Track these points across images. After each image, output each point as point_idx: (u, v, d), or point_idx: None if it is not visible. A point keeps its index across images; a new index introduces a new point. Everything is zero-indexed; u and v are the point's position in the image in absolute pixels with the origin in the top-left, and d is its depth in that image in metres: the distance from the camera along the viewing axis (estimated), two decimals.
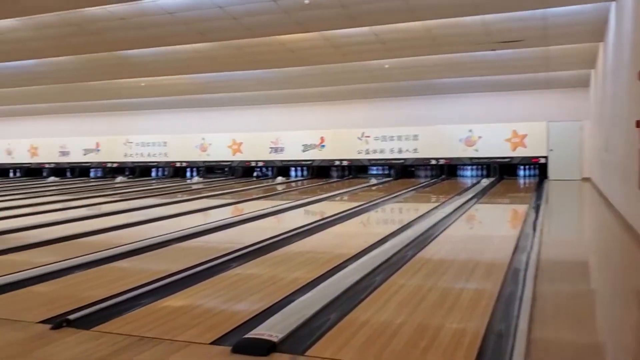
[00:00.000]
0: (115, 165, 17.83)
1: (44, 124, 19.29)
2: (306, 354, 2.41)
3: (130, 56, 11.03)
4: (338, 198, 10.76)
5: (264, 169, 17.09)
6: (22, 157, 18.86)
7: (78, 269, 4.28)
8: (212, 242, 5.65)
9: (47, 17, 8.51)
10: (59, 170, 18.33)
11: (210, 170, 17.52)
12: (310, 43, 10.25)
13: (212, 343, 2.55)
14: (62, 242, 5.65)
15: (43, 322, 2.87)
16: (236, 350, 2.44)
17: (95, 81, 13.59)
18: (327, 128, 16.36)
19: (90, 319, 2.91)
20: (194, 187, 13.76)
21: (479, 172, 15.31)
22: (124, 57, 11.11)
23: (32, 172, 18.87)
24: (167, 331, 2.70)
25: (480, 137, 14.91)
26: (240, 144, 17.15)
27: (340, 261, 4.32)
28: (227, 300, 3.30)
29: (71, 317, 2.87)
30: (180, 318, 2.94)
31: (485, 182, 13.15)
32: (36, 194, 12.08)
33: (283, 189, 12.91)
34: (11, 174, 19.23)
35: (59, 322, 2.80)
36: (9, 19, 8.84)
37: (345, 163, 16.20)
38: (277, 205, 9.03)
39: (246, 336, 2.56)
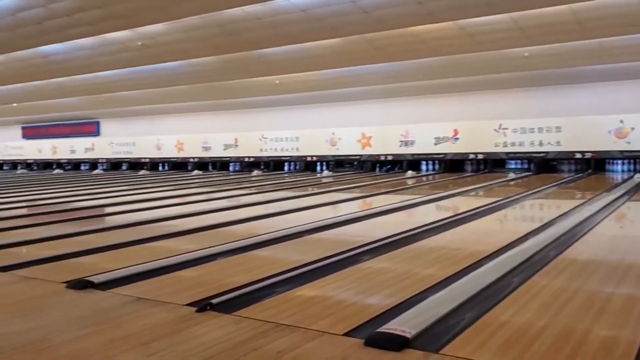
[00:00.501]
0: (252, 159, 18.73)
1: (188, 121, 20.80)
2: (440, 352, 2.32)
3: (266, 55, 11.49)
4: (473, 193, 10.37)
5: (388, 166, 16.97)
6: (170, 151, 20.48)
7: (220, 256, 4.52)
8: (343, 234, 5.70)
9: (193, 20, 9.12)
10: (202, 164, 19.66)
11: (340, 164, 17.76)
12: (444, 33, 9.96)
13: (345, 334, 2.55)
14: (206, 231, 6.03)
15: (189, 304, 3.07)
16: (369, 343, 2.41)
17: (234, 80, 14.35)
18: (461, 120, 15.83)
19: (231, 303, 3.05)
20: (324, 180, 14.04)
21: (632, 167, 13.95)
22: (259, 56, 11.60)
23: (179, 165, 20.42)
24: (302, 319, 2.75)
25: (633, 129, 13.57)
26: (370, 137, 17.18)
27: (477, 259, 4.14)
28: (358, 293, 3.30)
29: (214, 301, 3.03)
30: (313, 307, 2.98)
31: (638, 177, 11.94)
32: (182, 186, 13.06)
33: (413, 183, 12.73)
34: (160, 168, 20.97)
35: (203, 306, 2.97)
36: (159, 24, 9.61)
37: (480, 157, 15.57)
38: (408, 200, 8.91)
39: (379, 330, 2.52)
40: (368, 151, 17.19)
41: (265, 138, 18.51)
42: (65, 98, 18.66)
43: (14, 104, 20.26)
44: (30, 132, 25.99)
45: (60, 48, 11.76)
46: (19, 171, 23.85)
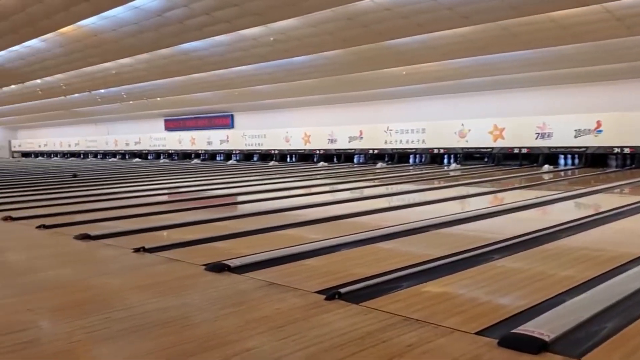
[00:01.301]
0: (376, 151, 18.74)
1: (315, 114, 21.29)
2: (582, 359, 2.15)
3: (394, 46, 11.39)
4: (617, 190, 9.53)
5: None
6: (298, 143, 21.09)
7: (345, 247, 4.57)
8: (473, 230, 5.50)
9: (323, 14, 9.27)
10: (328, 156, 20.04)
11: (469, 156, 17.16)
12: (588, 17, 9.22)
13: (477, 333, 2.46)
14: (331, 222, 6.13)
15: (318, 292, 3.13)
16: (503, 343, 2.30)
17: (361, 72, 14.41)
18: (604, 111, 14.58)
19: (358, 294, 3.07)
20: (452, 174, 13.66)
21: None
22: (387, 47, 11.52)
23: (305, 157, 20.99)
24: (431, 315, 2.70)
25: None
26: (503, 129, 16.40)
27: (623, 261, 3.79)
28: (490, 292, 3.16)
29: (342, 290, 3.07)
30: (443, 304, 2.91)
31: None
32: (308, 177, 13.39)
33: (550, 179, 11.96)
34: (288, 159, 21.70)
35: (331, 294, 3.01)
36: (291, 19, 9.89)
37: (627, 151, 14.25)
38: (544, 196, 8.39)
39: (514, 331, 2.40)
40: (500, 143, 16.42)
41: (390, 130, 18.40)
42: (203, 93, 19.94)
43: (158, 98, 22.00)
44: (172, 125, 28.12)
45: (199, 45, 12.55)
46: (162, 160, 25.89)
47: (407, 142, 18.13)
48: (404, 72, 14.39)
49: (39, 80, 18.60)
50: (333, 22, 9.70)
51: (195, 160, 24.03)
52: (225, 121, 25.31)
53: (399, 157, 18.31)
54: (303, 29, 10.35)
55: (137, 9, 9.90)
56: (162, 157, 27.19)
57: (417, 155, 18.20)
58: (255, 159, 22.66)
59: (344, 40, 10.80)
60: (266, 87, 17.59)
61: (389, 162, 18.04)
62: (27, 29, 11.36)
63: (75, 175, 14.93)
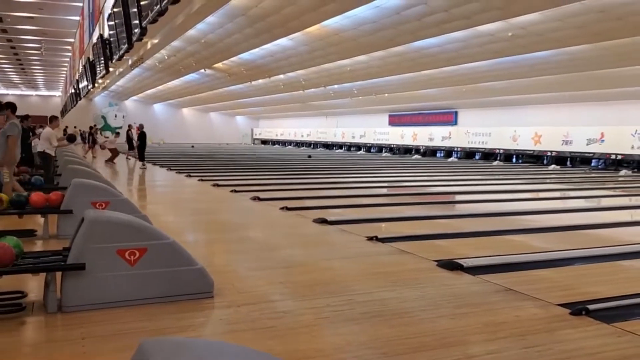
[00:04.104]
0: (619, 157, 16.76)
1: (547, 112, 19.79)
2: None
3: None
4: None
5: None
6: (526, 144, 19.88)
7: (582, 261, 4.24)
8: None
9: (571, 7, 8.58)
10: (560, 159, 18.52)
11: None
12: None
13: None
14: (564, 232, 5.69)
15: (561, 305, 2.95)
16: None
17: (609, 69, 12.99)
18: None
19: (609, 313, 2.83)
20: None
21: None
22: None
23: (534, 158, 19.71)
24: None
25: None
26: None
27: None
28: None
29: (590, 307, 2.85)
30: None
31: None
32: (537, 181, 12.58)
33: None
34: (514, 160, 20.61)
35: (578, 309, 2.82)
36: (534, 13, 9.35)
37: None
38: None
39: None
40: None
41: (639, 133, 16.27)
42: (430, 89, 19.97)
43: (386, 94, 22.66)
44: (395, 120, 28.74)
45: (433, 42, 12.58)
46: (384, 154, 26.68)
47: None
48: None
49: (282, 76, 20.57)
50: (582, 16, 8.90)
51: (416, 156, 24.24)
52: (448, 118, 25.03)
53: None
54: (546, 23, 9.70)
55: (377, 8, 10.31)
56: (384, 150, 28.01)
57: None
58: (477, 157, 22.00)
59: (594, 34, 9.84)
60: (496, 84, 16.91)
61: (636, 170, 15.98)
62: (279, 29, 12.61)
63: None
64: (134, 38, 6.57)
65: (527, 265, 4.02)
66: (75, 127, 28.75)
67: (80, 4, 16.65)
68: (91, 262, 2.81)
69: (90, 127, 25.32)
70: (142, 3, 5.76)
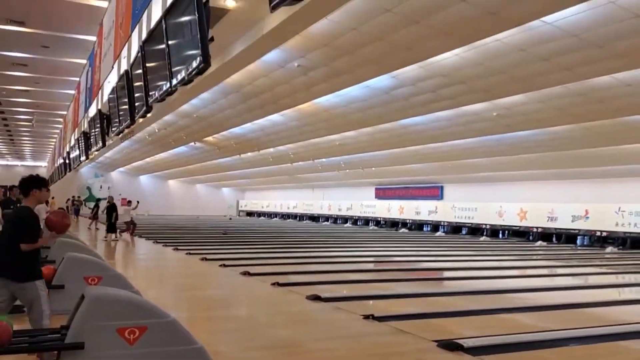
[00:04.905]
0: (604, 234, 16.96)
1: (532, 189, 20.16)
2: None
3: (635, 121, 10.42)
4: None
5: None
6: (512, 219, 20.08)
7: (577, 341, 4.23)
8: None
9: (554, 90, 8.97)
10: (546, 235, 18.68)
11: None
12: None
13: None
14: (560, 310, 5.70)
15: None
16: None
17: (590, 148, 13.41)
18: None
19: None
20: None
21: None
22: (626, 123, 10.59)
23: (520, 234, 19.85)
24: None
25: None
26: None
27: None
28: None
29: None
30: None
31: None
32: (524, 257, 12.63)
33: None
34: (500, 235, 20.75)
35: None
36: (518, 95, 9.74)
37: None
38: None
39: None
40: None
41: (623, 211, 16.56)
42: (416, 164, 20.35)
43: (373, 168, 23.01)
44: (381, 193, 29.01)
45: (419, 120, 12.95)
46: (370, 227, 26.70)
47: None
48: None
49: (272, 149, 20.88)
50: (564, 98, 9.30)
51: (403, 230, 24.30)
52: (434, 192, 25.35)
53: (632, 242, 16.29)
54: (529, 104, 10.09)
55: (367, 88, 10.67)
56: (370, 224, 28.05)
57: None
58: (464, 232, 22.10)
59: (574, 115, 10.24)
60: (481, 160, 17.29)
61: (621, 248, 16.15)
62: (271, 106, 12.93)
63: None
64: (137, 115, 6.70)
65: (525, 346, 4.00)
66: (52, 197, 28.42)
67: (77, 79, 16.97)
68: (90, 341, 2.74)
69: (68, 199, 24.68)
70: (149, 79, 5.90)
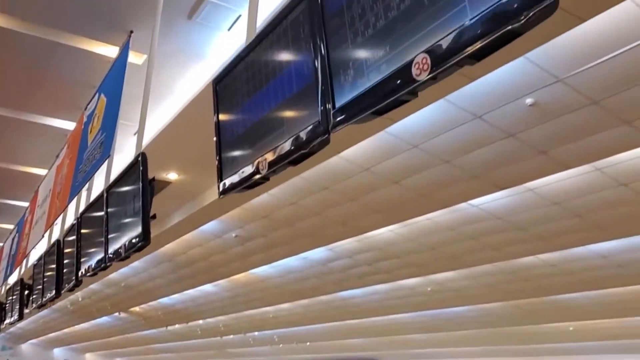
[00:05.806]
0: None
1: None
2: None
3: (559, 300, 10.81)
4: None
5: None
6: None
7: None
8: None
9: (483, 267, 9.30)
10: None
11: None
12: None
13: None
14: None
15: None
16: None
17: (521, 326, 13.61)
18: None
19: None
20: None
21: None
22: (552, 302, 10.96)
23: None
24: None
25: None
26: None
27: None
28: None
29: None
30: None
31: None
32: None
33: None
34: None
35: None
36: (449, 272, 10.01)
37: None
38: None
39: None
40: None
41: None
42: (353, 339, 19.81)
43: (307, 343, 22.14)
44: None
45: (357, 293, 12.91)
46: None
47: None
48: (571, 328, 13.29)
49: (201, 321, 19.90)
50: (494, 276, 9.63)
51: None
52: None
53: None
54: (461, 280, 10.35)
55: (304, 259, 10.70)
56: None
57: None
58: None
59: (505, 293, 10.54)
60: (418, 336, 17.09)
61: None
62: (205, 275, 12.60)
63: None
64: (64, 288, 6.30)
65: None
66: None
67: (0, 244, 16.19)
68: None
69: None
70: (82, 253, 5.63)
